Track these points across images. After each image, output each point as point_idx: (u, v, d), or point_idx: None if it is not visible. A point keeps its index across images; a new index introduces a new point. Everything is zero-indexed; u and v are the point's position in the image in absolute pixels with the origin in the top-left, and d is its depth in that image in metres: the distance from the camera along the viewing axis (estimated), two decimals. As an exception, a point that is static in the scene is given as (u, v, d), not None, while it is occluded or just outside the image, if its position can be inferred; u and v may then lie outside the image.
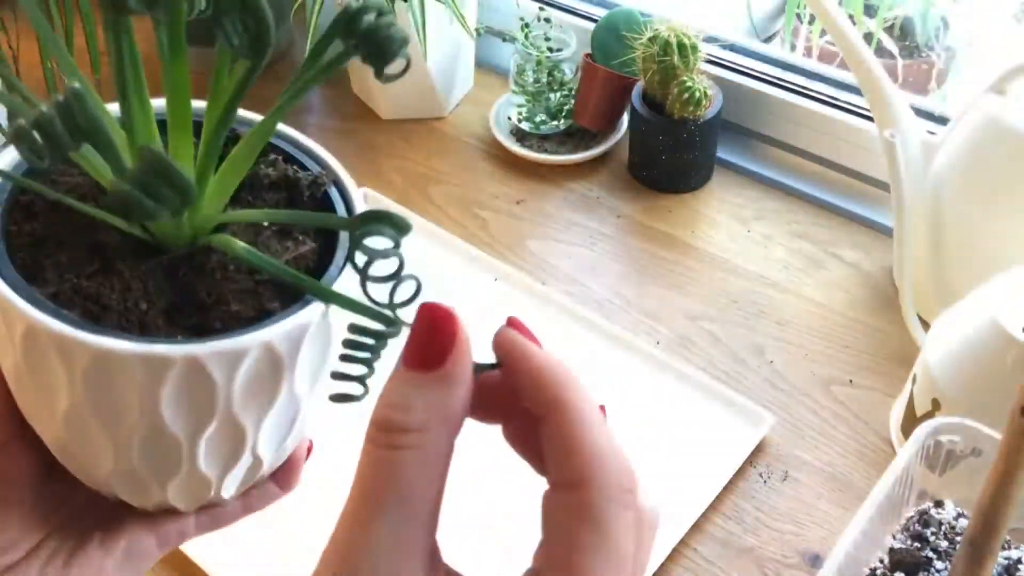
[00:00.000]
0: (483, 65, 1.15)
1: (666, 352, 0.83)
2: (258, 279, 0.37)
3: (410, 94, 1.07)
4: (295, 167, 0.41)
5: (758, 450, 0.77)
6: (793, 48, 1.69)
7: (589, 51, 1.02)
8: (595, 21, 1.03)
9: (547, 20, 1.03)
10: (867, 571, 0.64)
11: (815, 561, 0.70)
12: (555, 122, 1.05)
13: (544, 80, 1.02)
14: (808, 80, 1.01)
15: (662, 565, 0.69)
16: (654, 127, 0.96)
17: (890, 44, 1.70)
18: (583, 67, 1.02)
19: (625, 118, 1.04)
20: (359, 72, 1.07)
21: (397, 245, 0.34)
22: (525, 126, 1.06)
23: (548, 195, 1.00)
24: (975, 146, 0.77)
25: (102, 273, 0.36)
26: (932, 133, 0.83)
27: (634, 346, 0.83)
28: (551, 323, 0.85)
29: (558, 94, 1.03)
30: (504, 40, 1.07)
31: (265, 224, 0.39)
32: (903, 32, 1.74)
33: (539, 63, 1.02)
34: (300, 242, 0.38)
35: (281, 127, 0.41)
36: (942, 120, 0.91)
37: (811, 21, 1.68)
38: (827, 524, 0.72)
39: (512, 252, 0.94)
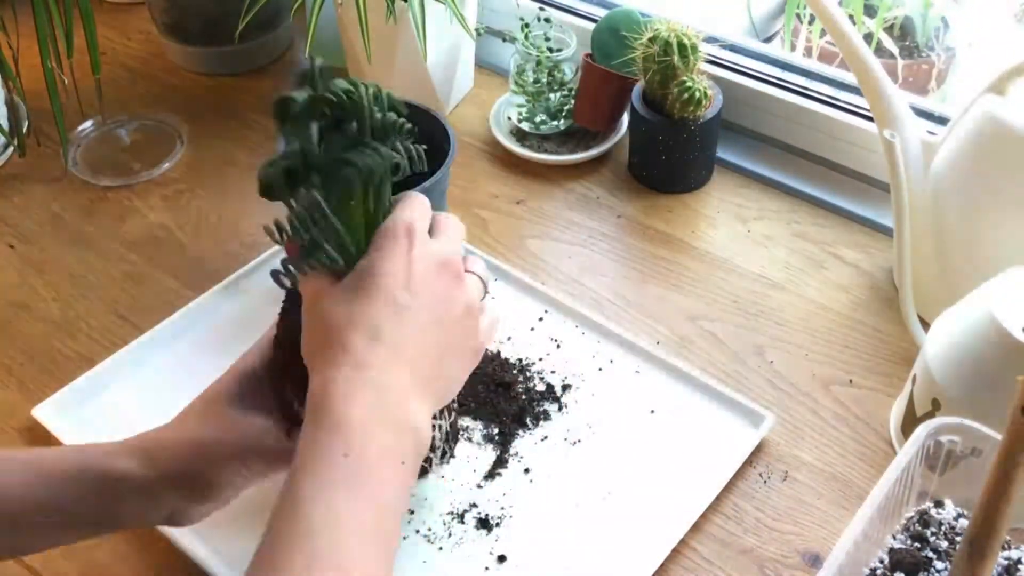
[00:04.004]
0: (483, 65, 1.15)
1: (666, 352, 0.83)
2: None
3: (410, 94, 1.06)
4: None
5: (758, 450, 0.76)
6: (793, 48, 1.69)
7: (589, 51, 1.02)
8: (595, 21, 1.03)
9: (547, 20, 1.03)
10: (867, 571, 0.64)
11: (815, 561, 0.70)
12: (555, 122, 1.05)
13: (544, 80, 1.02)
14: (808, 80, 1.01)
15: (662, 565, 0.69)
16: (654, 127, 0.96)
17: (890, 44, 1.70)
18: (583, 67, 1.02)
19: (625, 118, 1.04)
20: (357, 71, 1.07)
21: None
22: (525, 126, 1.06)
23: (548, 195, 1.00)
24: (975, 146, 0.77)
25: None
26: (932, 133, 0.83)
27: (634, 346, 0.83)
28: (551, 323, 0.85)
29: (558, 94, 1.03)
30: (504, 40, 1.07)
31: None
32: (903, 32, 1.75)
33: (539, 63, 1.02)
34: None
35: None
36: (942, 120, 0.91)
37: (811, 21, 1.68)
38: (827, 524, 0.72)
39: (512, 252, 0.94)
